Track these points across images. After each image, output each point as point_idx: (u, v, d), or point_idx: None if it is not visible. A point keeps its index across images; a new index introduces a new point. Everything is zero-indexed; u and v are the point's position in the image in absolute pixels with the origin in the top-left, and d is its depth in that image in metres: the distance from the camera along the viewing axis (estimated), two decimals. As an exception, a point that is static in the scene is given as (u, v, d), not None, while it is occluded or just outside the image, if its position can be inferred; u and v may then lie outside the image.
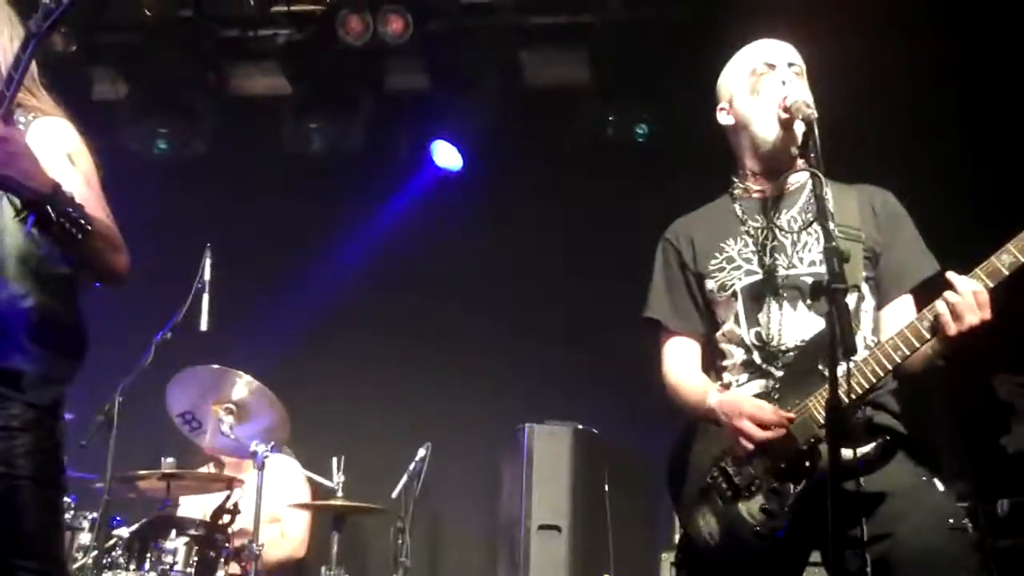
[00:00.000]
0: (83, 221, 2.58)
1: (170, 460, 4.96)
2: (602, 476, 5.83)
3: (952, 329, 2.73)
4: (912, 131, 6.06)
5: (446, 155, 7.01)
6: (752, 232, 3.13)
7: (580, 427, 6.03)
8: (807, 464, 2.83)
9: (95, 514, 4.78)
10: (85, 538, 4.75)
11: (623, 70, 6.71)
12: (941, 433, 6.07)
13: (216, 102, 7.12)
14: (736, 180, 3.27)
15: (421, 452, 5.76)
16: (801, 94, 3.01)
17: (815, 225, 2.97)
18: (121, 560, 4.68)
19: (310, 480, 5.73)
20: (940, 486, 2.90)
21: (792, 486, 2.84)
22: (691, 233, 3.27)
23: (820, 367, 2.83)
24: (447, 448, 5.98)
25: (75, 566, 4.68)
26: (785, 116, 3.01)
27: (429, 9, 6.60)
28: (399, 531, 5.61)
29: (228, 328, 5.08)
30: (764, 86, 3.12)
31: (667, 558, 5.36)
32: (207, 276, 4.95)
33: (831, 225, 2.78)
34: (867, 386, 2.81)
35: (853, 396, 2.70)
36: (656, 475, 3.25)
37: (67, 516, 4.77)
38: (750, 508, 2.90)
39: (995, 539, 5.48)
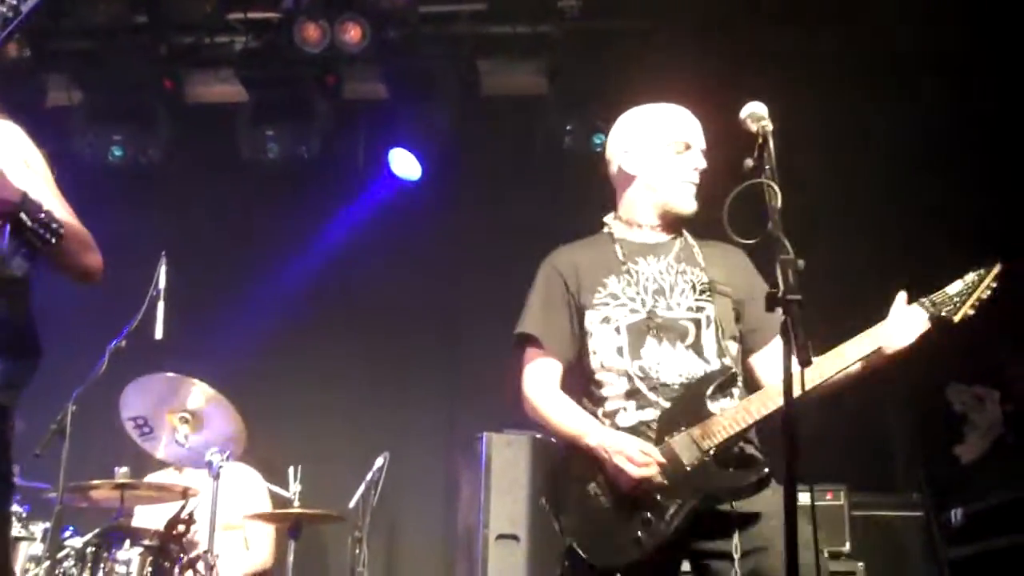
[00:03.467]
0: (55, 225, 2.64)
1: (124, 470, 4.90)
2: (560, 485, 5.82)
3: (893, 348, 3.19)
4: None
5: (404, 164, 6.99)
6: (633, 273, 3.39)
7: (538, 436, 6.01)
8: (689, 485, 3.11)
9: (47, 524, 4.73)
10: (37, 548, 4.69)
11: (581, 80, 6.74)
12: (895, 443, 6.15)
13: (172, 109, 7.07)
14: (611, 222, 3.57)
15: (379, 461, 5.73)
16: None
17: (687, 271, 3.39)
18: (73, 571, 4.60)
19: (268, 489, 5.69)
20: None
21: (673, 502, 3.09)
22: (576, 265, 3.47)
23: (707, 403, 3.17)
24: (405, 457, 5.97)
25: (26, 577, 4.63)
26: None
27: (387, 17, 6.60)
28: (356, 540, 5.58)
29: (183, 337, 5.03)
30: (683, 163, 3.44)
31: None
32: (162, 284, 4.92)
33: (708, 278, 3.33)
34: (728, 434, 3.13)
35: (719, 440, 3.10)
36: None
37: (18, 526, 4.71)
38: (631, 518, 3.11)
39: (948, 548, 5.55)
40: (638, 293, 3.34)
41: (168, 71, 7.03)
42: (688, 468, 3.11)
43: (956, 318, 3.23)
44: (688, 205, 3.42)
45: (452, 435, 6.53)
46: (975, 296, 3.24)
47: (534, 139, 6.92)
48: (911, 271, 3.53)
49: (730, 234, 3.31)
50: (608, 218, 3.59)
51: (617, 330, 3.32)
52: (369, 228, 6.98)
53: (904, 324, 3.21)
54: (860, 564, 5.33)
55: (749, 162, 3.13)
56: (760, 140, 2.92)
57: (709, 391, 3.19)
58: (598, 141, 6.78)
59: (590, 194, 6.63)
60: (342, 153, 7.10)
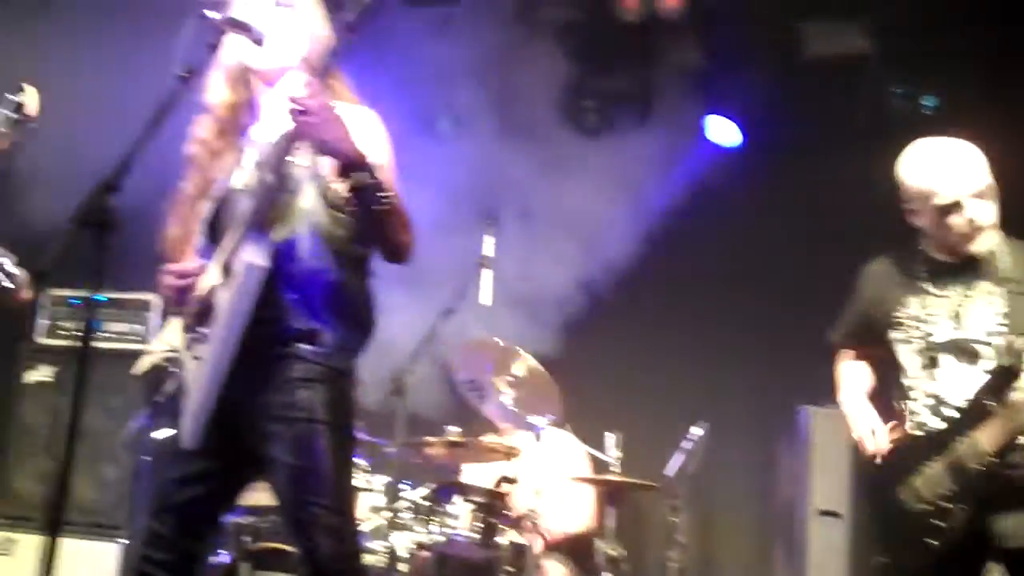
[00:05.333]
0: (389, 193, 2.82)
1: (455, 429, 5.14)
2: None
3: None
4: None
5: (722, 131, 6.92)
6: (933, 295, 3.55)
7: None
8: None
9: (388, 478, 5.02)
10: (376, 499, 4.99)
11: (906, 38, 6.42)
12: None
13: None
14: (924, 243, 3.65)
15: (697, 431, 5.71)
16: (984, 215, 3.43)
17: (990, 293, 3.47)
18: (410, 522, 4.88)
19: (588, 455, 5.79)
20: None
21: (960, 506, 3.31)
22: (883, 280, 3.70)
23: (987, 406, 3.32)
24: (723, 428, 5.91)
25: (370, 526, 4.94)
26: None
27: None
28: (673, 509, 5.60)
29: (508, 303, 5.21)
30: (953, 224, 3.47)
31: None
32: (488, 252, 5.12)
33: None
34: (1005, 431, 3.29)
35: (998, 440, 3.28)
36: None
37: (360, 478, 5.03)
38: (922, 524, 3.37)
39: None
40: (937, 315, 3.52)
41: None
42: (973, 472, 3.29)
43: None
44: (975, 248, 3.50)
45: (771, 407, 6.42)
46: None
47: (858, 102, 6.66)
48: None
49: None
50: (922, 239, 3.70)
51: (918, 351, 3.54)
52: (688, 195, 6.94)
53: None
54: None
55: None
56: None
57: (989, 393, 3.34)
58: (927, 104, 6.47)
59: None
60: (660, 120, 7.10)
